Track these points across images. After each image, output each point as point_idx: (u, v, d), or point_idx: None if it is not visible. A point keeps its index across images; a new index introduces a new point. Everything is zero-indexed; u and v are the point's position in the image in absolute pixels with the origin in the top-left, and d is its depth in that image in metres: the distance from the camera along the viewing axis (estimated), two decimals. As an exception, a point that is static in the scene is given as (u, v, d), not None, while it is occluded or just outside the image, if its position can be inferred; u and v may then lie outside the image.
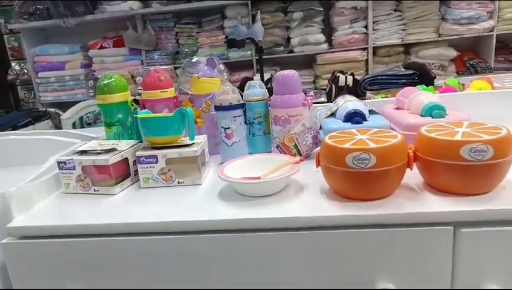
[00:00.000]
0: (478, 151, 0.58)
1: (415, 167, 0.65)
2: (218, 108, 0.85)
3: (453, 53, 2.93)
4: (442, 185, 0.64)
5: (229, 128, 0.86)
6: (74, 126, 2.28)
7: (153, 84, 0.90)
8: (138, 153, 0.77)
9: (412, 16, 2.91)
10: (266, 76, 2.69)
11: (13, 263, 0.69)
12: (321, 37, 3.00)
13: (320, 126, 0.87)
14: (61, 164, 0.78)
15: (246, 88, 0.92)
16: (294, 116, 0.85)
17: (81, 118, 2.38)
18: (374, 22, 2.96)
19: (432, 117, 0.78)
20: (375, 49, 3.02)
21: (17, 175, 0.82)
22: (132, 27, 3.05)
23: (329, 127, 0.80)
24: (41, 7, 2.96)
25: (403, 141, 0.63)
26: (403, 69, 2.38)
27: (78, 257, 0.68)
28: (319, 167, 0.69)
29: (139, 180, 0.80)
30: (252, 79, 2.55)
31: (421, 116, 0.80)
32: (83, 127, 2.38)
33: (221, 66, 0.96)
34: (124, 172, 0.80)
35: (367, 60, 3.03)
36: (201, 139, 0.82)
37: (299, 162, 0.73)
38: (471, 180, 0.61)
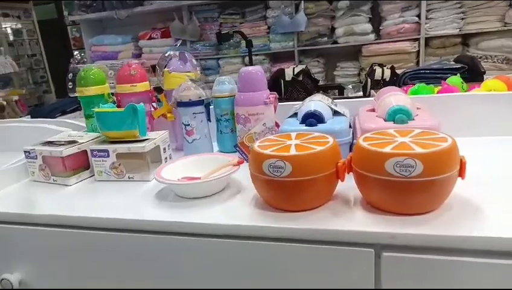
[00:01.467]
0: (404, 166, 0.51)
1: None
2: (179, 104, 0.84)
3: (521, 45, 2.61)
4: (375, 202, 0.57)
5: (189, 125, 0.84)
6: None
7: (124, 78, 0.91)
8: (91, 147, 0.79)
9: (473, 3, 2.63)
10: (310, 68, 2.62)
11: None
12: (368, 26, 2.84)
13: (283, 126, 0.82)
14: (26, 153, 0.83)
15: (214, 84, 0.89)
16: (254, 115, 0.81)
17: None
18: (427, 11, 2.73)
19: (394, 122, 0.70)
20: (428, 40, 2.79)
21: (5, 160, 0.88)
22: (178, 18, 3.13)
23: (284, 128, 0.75)
24: (98, 0, 3.14)
25: (330, 148, 0.57)
26: (452, 63, 2.18)
27: (26, 243, 0.72)
28: (253, 172, 0.65)
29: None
30: (283, 71, 2.49)
31: (385, 120, 0.72)
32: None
33: (194, 61, 0.94)
34: (83, 164, 0.82)
35: (418, 51, 2.81)
36: (157, 135, 0.81)
37: (238, 164, 0.69)
38: (400, 198, 0.53)
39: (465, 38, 2.78)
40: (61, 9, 3.72)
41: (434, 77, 2.10)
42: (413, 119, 0.70)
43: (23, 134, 1.13)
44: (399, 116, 0.69)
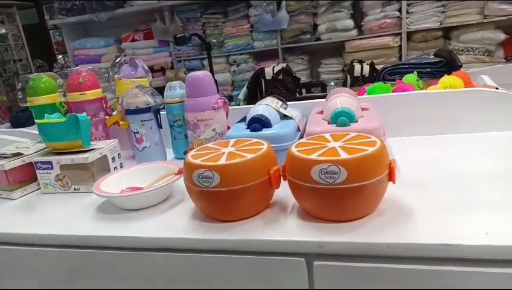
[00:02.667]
0: (329, 173, 0.49)
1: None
2: (127, 112, 0.82)
3: (501, 36, 2.59)
4: (307, 209, 0.56)
5: (137, 132, 0.82)
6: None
7: (73, 87, 0.89)
8: (35, 159, 0.77)
9: (453, -5, 2.61)
10: (294, 66, 2.60)
11: None
12: (350, 22, 2.82)
13: (233, 131, 0.80)
14: (-30, 167, 0.81)
15: (166, 89, 0.87)
16: (203, 121, 0.80)
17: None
18: (408, 5, 2.71)
19: (337, 125, 0.68)
20: (409, 34, 2.77)
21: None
22: (160, 19, 3.10)
23: (230, 134, 0.74)
24: (78, 2, 3.11)
25: (262, 155, 0.56)
26: (432, 57, 2.17)
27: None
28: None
29: (42, 185, 0.80)
30: (262, 70, 2.47)
31: (329, 123, 0.71)
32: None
33: (145, 67, 0.92)
34: (29, 177, 0.80)
35: (400, 46, 2.80)
36: (105, 144, 0.80)
37: (179, 173, 0.68)
38: (327, 205, 0.52)
39: (446, 32, 2.77)
40: (42, 13, 3.69)
41: (413, 71, 2.09)
42: (356, 122, 0.69)
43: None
44: (341, 118, 0.68)
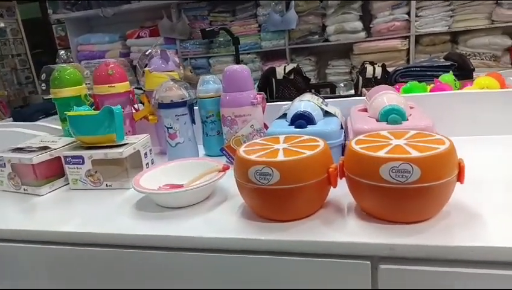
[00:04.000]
0: (400, 172, 0.47)
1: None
2: (160, 105, 0.79)
3: (508, 42, 2.59)
4: (369, 209, 0.53)
5: (171, 127, 0.79)
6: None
7: (101, 79, 0.85)
8: (65, 153, 0.74)
9: (461, 1, 2.61)
10: (301, 67, 2.58)
11: None
12: (359, 24, 2.80)
13: (271, 128, 0.77)
14: (-6, 160, 0.77)
15: (198, 83, 0.84)
16: (241, 117, 0.77)
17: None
18: (417, 8, 2.70)
19: (387, 123, 0.66)
20: (418, 37, 2.76)
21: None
22: (167, 16, 3.06)
23: (272, 130, 0.71)
24: (83, -2, 3.06)
25: (321, 153, 0.53)
26: (442, 60, 2.15)
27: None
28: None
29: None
30: (275, 69, 2.44)
31: (377, 121, 0.68)
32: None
33: (176, 59, 0.89)
34: (56, 172, 0.76)
35: (408, 49, 2.78)
36: (137, 139, 0.76)
37: (223, 171, 0.64)
38: (396, 206, 0.49)
39: (454, 36, 2.76)
40: (45, 7, 3.62)
41: (425, 74, 2.06)
42: (407, 120, 0.66)
43: (-3, 139, 1.07)
44: (392, 116, 0.65)
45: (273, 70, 2.32)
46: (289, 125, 0.71)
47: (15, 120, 1.59)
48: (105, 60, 0.88)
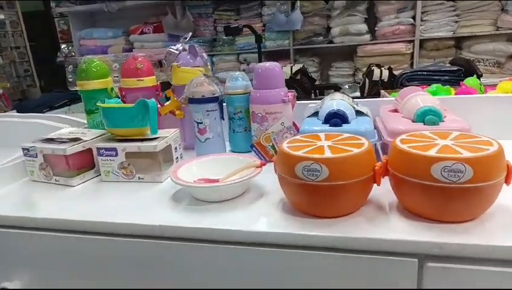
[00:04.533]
0: (453, 171, 0.47)
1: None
2: (191, 100, 0.79)
3: (512, 49, 2.63)
4: (414, 207, 0.54)
5: (201, 123, 0.79)
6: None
7: (129, 72, 0.85)
8: (98, 145, 0.74)
9: (467, 6, 2.63)
10: (296, 67, 2.59)
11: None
12: (363, 27, 2.82)
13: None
14: (25, 151, 0.76)
15: (227, 80, 0.85)
16: (272, 114, 0.77)
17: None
18: (422, 13, 2.72)
19: (424, 124, 0.67)
20: (422, 42, 2.78)
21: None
22: (171, 13, 3.05)
23: (306, 128, 0.71)
24: (88, -9, 3.04)
25: (366, 151, 0.53)
26: (448, 65, 2.18)
27: (25, 248, 0.66)
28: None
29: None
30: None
31: (413, 121, 0.69)
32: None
33: (205, 55, 0.89)
34: (87, 163, 0.76)
35: (412, 53, 2.81)
36: (168, 133, 0.76)
37: (260, 166, 0.65)
38: (445, 205, 0.50)
39: (458, 41, 2.79)
40: (48, 0, 3.59)
41: (431, 78, 2.09)
42: (443, 121, 0.67)
43: (15, 130, 1.06)
44: (429, 117, 0.66)
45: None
46: (323, 123, 0.72)
47: (19, 112, 1.58)
48: (133, 53, 0.88)
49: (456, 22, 2.70)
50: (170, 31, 3.09)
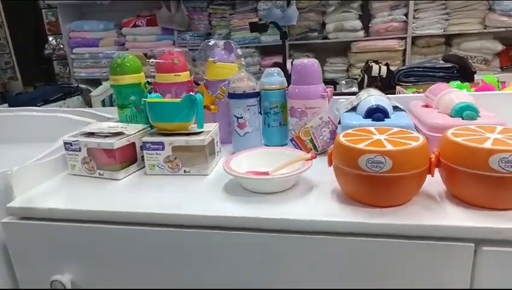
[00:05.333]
0: (510, 162, 0.51)
1: (437, 173, 0.59)
2: (232, 96, 0.81)
3: (499, 46, 2.73)
4: (466, 196, 0.58)
5: (241, 117, 0.81)
6: (103, 104, 2.30)
7: (166, 67, 0.86)
8: (144, 139, 0.75)
9: (457, 4, 2.72)
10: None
11: (13, 242, 0.69)
12: (358, 23, 2.87)
13: (339, 121, 0.81)
14: (67, 145, 0.77)
15: (263, 76, 0.87)
16: (311, 109, 0.80)
17: (110, 96, 2.41)
18: (415, 10, 2.80)
19: (463, 118, 0.71)
20: (414, 39, 2.86)
21: (28, 152, 0.81)
22: (165, 6, 3.03)
23: (348, 122, 0.74)
24: (79, -17, 2.98)
25: (424, 144, 0.57)
26: (442, 62, 2.24)
27: (75, 241, 0.67)
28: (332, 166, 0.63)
29: (145, 166, 0.78)
30: (281, 64, 2.48)
31: (451, 116, 0.73)
32: (111, 105, 2.39)
33: (239, 51, 0.91)
34: (130, 157, 0.77)
35: (405, 50, 2.88)
36: (211, 128, 0.78)
37: (311, 159, 0.68)
38: (501, 194, 0.54)
39: (448, 39, 2.88)
40: (35, -8, 3.50)
41: (426, 75, 2.16)
42: (480, 116, 0.71)
43: (35, 124, 1.06)
44: (468, 112, 0.70)
45: (279, 65, 2.35)
46: (364, 118, 0.75)
47: (11, 106, 1.55)
48: (169, 49, 0.88)
49: (446, 20, 2.78)
50: (164, 24, 3.07)
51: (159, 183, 0.73)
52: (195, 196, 0.67)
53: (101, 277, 0.68)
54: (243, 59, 0.91)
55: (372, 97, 0.78)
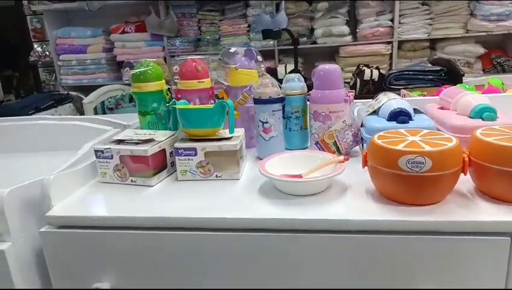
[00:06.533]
0: (542, 160, 0.55)
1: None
2: (257, 101, 0.83)
3: (480, 50, 2.85)
4: (498, 193, 0.61)
5: (267, 122, 0.84)
6: (96, 111, 2.28)
7: (190, 74, 0.88)
8: (177, 145, 0.76)
9: (440, 10, 2.82)
10: (289, 68, 2.67)
11: (50, 251, 0.69)
12: (345, 28, 2.94)
13: (362, 124, 0.84)
14: (98, 153, 0.77)
15: (284, 81, 0.89)
16: (335, 113, 0.83)
17: (102, 103, 2.39)
18: (400, 15, 2.88)
19: (483, 119, 0.75)
20: (400, 43, 2.95)
21: (50, 161, 0.81)
22: (155, 12, 3.02)
23: (373, 125, 0.78)
24: (66, -11, 2.95)
25: (458, 144, 0.60)
26: (430, 65, 2.32)
27: (114, 248, 0.67)
28: (365, 167, 0.66)
29: (175, 171, 0.79)
30: (274, 70, 2.53)
31: (470, 117, 0.77)
32: (104, 112, 2.38)
33: (259, 58, 0.93)
34: (161, 163, 0.78)
35: (391, 54, 2.96)
36: (239, 133, 0.80)
37: (343, 162, 0.70)
38: (531, 189, 0.58)
39: (433, 43, 2.98)
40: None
41: (416, 78, 2.24)
42: (498, 117, 0.76)
43: (55, 132, 1.05)
44: (487, 114, 0.74)
45: (274, 71, 2.39)
46: (388, 120, 0.78)
47: (2, 115, 1.53)
48: (193, 57, 0.90)
49: (431, 24, 2.88)
50: (153, 30, 3.06)
51: (192, 188, 0.74)
52: (235, 199, 0.69)
53: (140, 283, 0.69)
54: (262, 65, 0.94)
55: (394, 101, 0.81)
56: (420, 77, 2.19)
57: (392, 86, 2.19)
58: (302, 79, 0.89)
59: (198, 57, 0.91)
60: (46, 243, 0.68)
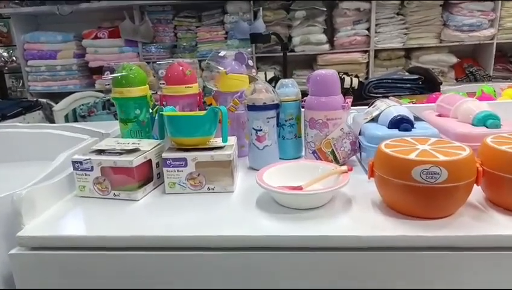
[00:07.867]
0: (561, 169, 0.52)
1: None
2: (251, 108, 0.78)
3: (453, 59, 2.91)
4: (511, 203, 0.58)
5: (261, 130, 0.78)
6: (67, 118, 2.16)
7: (177, 79, 0.82)
8: (165, 155, 0.69)
9: (415, 20, 2.88)
10: (269, 75, 2.64)
11: (21, 274, 0.60)
12: (323, 37, 2.94)
13: (360, 132, 0.80)
14: (76, 164, 0.69)
15: (277, 87, 0.84)
16: (332, 120, 0.78)
17: (74, 110, 2.27)
18: (376, 25, 2.92)
19: (487, 127, 0.72)
20: (376, 52, 2.98)
21: (22, 172, 0.73)
22: (129, 18, 2.93)
23: (374, 133, 0.74)
24: (35, -8, 2.82)
25: (472, 153, 0.57)
26: (407, 74, 2.34)
27: (96, 273, 0.60)
28: (371, 178, 0.62)
29: (162, 184, 0.73)
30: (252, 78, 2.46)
31: (472, 125, 0.75)
32: (76, 119, 2.26)
33: (250, 62, 0.88)
34: (147, 175, 0.71)
35: (368, 62, 2.99)
36: (232, 141, 0.74)
37: (347, 172, 0.66)
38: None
39: (408, 52, 3.02)
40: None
41: (395, 86, 2.25)
42: (502, 124, 0.73)
43: (22, 142, 0.96)
44: (492, 121, 0.72)
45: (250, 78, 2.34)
46: (389, 128, 0.75)
47: None
48: (178, 60, 0.84)
49: (406, 34, 2.93)
50: (128, 36, 2.97)
51: (182, 202, 0.68)
52: (231, 214, 0.63)
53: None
54: (254, 70, 0.88)
55: (393, 107, 0.78)
56: (398, 85, 2.20)
57: (371, 94, 2.20)
58: (296, 84, 0.85)
59: (187, 60, 0.84)
60: (16, 267, 0.60)
